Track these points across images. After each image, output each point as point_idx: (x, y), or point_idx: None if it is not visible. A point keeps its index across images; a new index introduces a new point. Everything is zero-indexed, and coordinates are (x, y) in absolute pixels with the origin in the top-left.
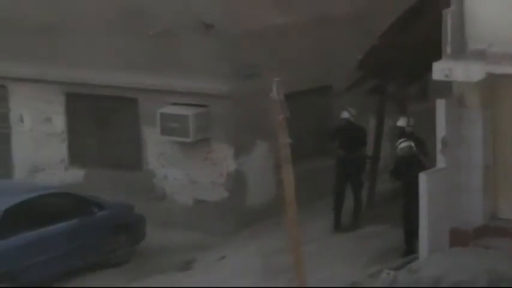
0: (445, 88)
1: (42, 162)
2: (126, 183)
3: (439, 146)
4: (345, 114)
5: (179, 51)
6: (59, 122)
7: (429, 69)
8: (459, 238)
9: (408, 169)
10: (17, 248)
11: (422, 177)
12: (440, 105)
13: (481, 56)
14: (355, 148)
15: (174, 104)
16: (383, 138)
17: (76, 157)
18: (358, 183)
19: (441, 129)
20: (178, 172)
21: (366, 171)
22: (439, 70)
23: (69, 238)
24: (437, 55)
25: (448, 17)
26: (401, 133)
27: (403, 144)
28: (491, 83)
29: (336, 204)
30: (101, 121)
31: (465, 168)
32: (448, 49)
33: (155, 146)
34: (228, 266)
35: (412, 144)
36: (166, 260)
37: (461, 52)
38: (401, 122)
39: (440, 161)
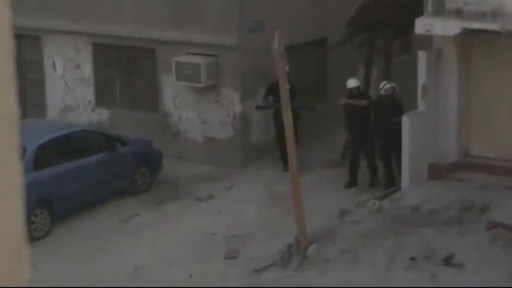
0: (426, 41)
1: (72, 104)
2: (145, 122)
3: (419, 92)
4: None
5: (193, 8)
6: (87, 69)
7: (412, 24)
8: (436, 172)
9: (389, 112)
10: (51, 178)
11: (405, 119)
12: (422, 57)
13: (457, 13)
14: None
15: (188, 53)
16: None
17: (101, 99)
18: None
19: (422, 78)
20: (191, 113)
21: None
22: (421, 25)
23: (96, 170)
24: (419, 13)
25: None
26: (351, 93)
27: (387, 85)
28: (466, 37)
29: (281, 149)
30: (124, 68)
31: (442, 111)
32: (429, 7)
33: (171, 90)
34: (235, 194)
35: (396, 85)
36: (182, 189)
37: (440, 10)
38: (351, 84)
39: (421, 105)
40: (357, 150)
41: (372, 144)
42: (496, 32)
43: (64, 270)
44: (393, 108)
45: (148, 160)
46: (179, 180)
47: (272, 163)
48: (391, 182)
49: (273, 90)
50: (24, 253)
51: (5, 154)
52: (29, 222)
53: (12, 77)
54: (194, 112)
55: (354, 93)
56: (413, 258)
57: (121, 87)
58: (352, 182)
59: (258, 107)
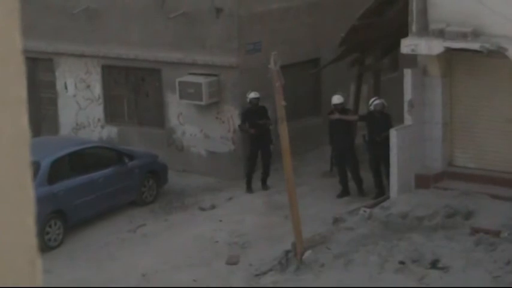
0: (412, 60)
1: (83, 122)
2: (151, 138)
3: (406, 107)
4: (252, 95)
5: (195, 31)
6: (97, 89)
7: (399, 44)
8: (422, 181)
9: (379, 126)
10: (64, 191)
11: (393, 133)
12: (407, 74)
13: (440, 34)
14: (262, 125)
15: (191, 73)
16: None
17: (111, 117)
18: (267, 153)
19: (408, 94)
20: (194, 129)
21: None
22: (407, 45)
23: (106, 183)
24: (405, 33)
25: (414, 2)
26: (336, 109)
27: (376, 101)
28: (449, 56)
29: (248, 170)
30: (131, 88)
31: (427, 124)
32: (414, 28)
33: (175, 107)
34: (235, 204)
35: (384, 101)
36: (186, 199)
37: (424, 30)
38: (336, 100)
39: (407, 119)
40: (342, 163)
41: (354, 157)
42: (476, 51)
43: (77, 277)
44: (382, 122)
45: (155, 173)
46: (184, 191)
47: (270, 174)
48: (381, 191)
49: (247, 116)
50: (38, 262)
51: (18, 171)
52: (44, 233)
53: (25, 99)
54: (197, 128)
55: (339, 108)
56: (402, 262)
57: (129, 105)
58: (345, 192)
59: (239, 127)
